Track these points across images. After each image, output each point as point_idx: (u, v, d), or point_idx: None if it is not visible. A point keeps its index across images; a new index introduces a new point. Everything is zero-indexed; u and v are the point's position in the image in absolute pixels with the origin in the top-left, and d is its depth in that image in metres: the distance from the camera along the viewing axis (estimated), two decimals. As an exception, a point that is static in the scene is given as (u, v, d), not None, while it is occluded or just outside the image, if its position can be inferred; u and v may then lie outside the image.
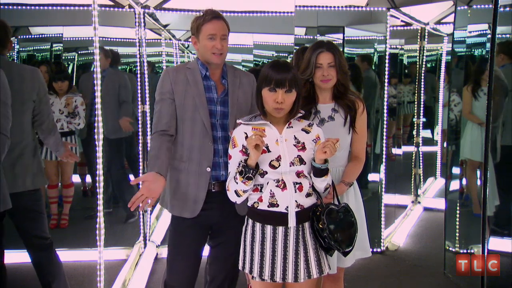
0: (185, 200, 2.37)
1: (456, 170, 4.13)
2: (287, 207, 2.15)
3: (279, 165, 2.14)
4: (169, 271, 2.49)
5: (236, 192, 2.16)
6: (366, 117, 2.56)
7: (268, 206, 2.16)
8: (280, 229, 2.16)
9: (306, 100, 2.45)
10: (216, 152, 2.36)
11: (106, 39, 4.37)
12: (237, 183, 2.12)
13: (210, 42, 2.33)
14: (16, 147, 2.79)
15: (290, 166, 2.15)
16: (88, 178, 4.92)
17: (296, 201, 2.16)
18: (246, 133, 2.17)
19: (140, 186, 2.21)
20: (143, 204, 2.13)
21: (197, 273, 2.49)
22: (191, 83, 2.36)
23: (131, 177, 4.81)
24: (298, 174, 2.17)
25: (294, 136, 2.20)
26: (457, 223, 3.86)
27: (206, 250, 2.54)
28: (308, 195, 2.20)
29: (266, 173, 2.15)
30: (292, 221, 2.16)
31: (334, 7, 4.25)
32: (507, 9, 3.34)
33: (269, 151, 2.15)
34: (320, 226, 2.16)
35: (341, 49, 3.09)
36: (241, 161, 2.12)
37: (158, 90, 2.41)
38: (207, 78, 2.40)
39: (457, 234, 3.85)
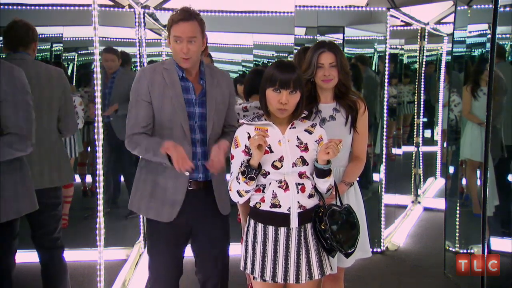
0: (162, 204, 2.31)
1: (456, 170, 4.13)
2: (289, 208, 2.15)
3: (282, 166, 2.14)
4: (150, 273, 2.45)
5: (238, 192, 2.15)
6: (367, 118, 2.56)
7: (270, 207, 2.15)
8: (282, 230, 2.16)
9: (307, 100, 2.44)
10: (194, 155, 2.30)
11: (106, 39, 4.35)
12: (239, 183, 2.11)
13: (176, 45, 2.24)
14: (44, 144, 2.78)
15: (293, 167, 2.15)
16: (88, 178, 4.91)
17: (298, 202, 2.15)
18: (248, 133, 2.17)
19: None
20: (187, 163, 2.11)
21: (180, 274, 2.43)
22: (168, 84, 2.28)
23: None
24: (301, 175, 2.17)
25: (297, 136, 2.19)
26: (457, 223, 3.87)
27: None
28: (310, 196, 2.20)
29: (269, 173, 2.15)
30: (294, 222, 2.15)
31: (334, 7, 4.25)
32: (507, 9, 3.35)
33: (271, 151, 2.15)
34: (322, 227, 2.16)
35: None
36: (243, 161, 2.12)
37: (133, 90, 2.32)
38: (184, 79, 2.32)
39: (457, 234, 3.85)
